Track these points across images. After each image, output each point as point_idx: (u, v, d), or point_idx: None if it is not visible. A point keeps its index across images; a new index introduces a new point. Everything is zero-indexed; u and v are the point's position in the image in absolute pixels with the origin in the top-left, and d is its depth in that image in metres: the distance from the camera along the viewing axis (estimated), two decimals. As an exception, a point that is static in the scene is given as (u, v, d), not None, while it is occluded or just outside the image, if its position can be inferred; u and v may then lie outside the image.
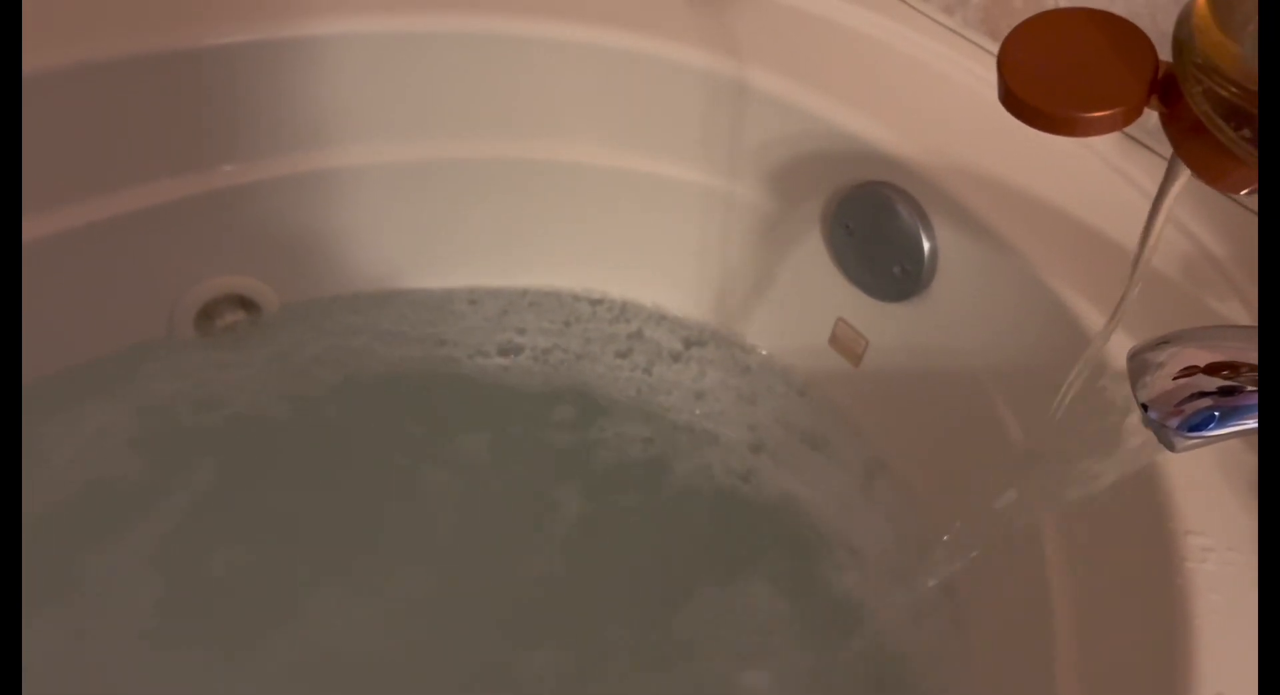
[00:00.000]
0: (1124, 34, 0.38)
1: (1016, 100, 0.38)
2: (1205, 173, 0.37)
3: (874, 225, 0.70)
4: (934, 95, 0.72)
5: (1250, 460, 0.51)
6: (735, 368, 0.87)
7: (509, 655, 0.71)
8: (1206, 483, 0.50)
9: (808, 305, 0.80)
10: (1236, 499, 0.49)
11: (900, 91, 0.72)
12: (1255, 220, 0.64)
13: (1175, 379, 0.38)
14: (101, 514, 0.73)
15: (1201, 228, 0.63)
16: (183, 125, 0.71)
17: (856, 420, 0.81)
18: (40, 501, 0.72)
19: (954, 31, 0.76)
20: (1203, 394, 0.37)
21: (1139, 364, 0.39)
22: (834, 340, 0.80)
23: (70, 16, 0.67)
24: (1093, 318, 0.58)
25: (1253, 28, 0.33)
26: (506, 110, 0.77)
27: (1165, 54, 0.37)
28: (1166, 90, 0.37)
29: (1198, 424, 0.37)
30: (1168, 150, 0.66)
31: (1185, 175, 0.39)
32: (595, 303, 0.89)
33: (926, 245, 0.68)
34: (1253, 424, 0.37)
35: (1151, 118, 0.68)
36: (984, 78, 0.73)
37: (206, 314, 0.82)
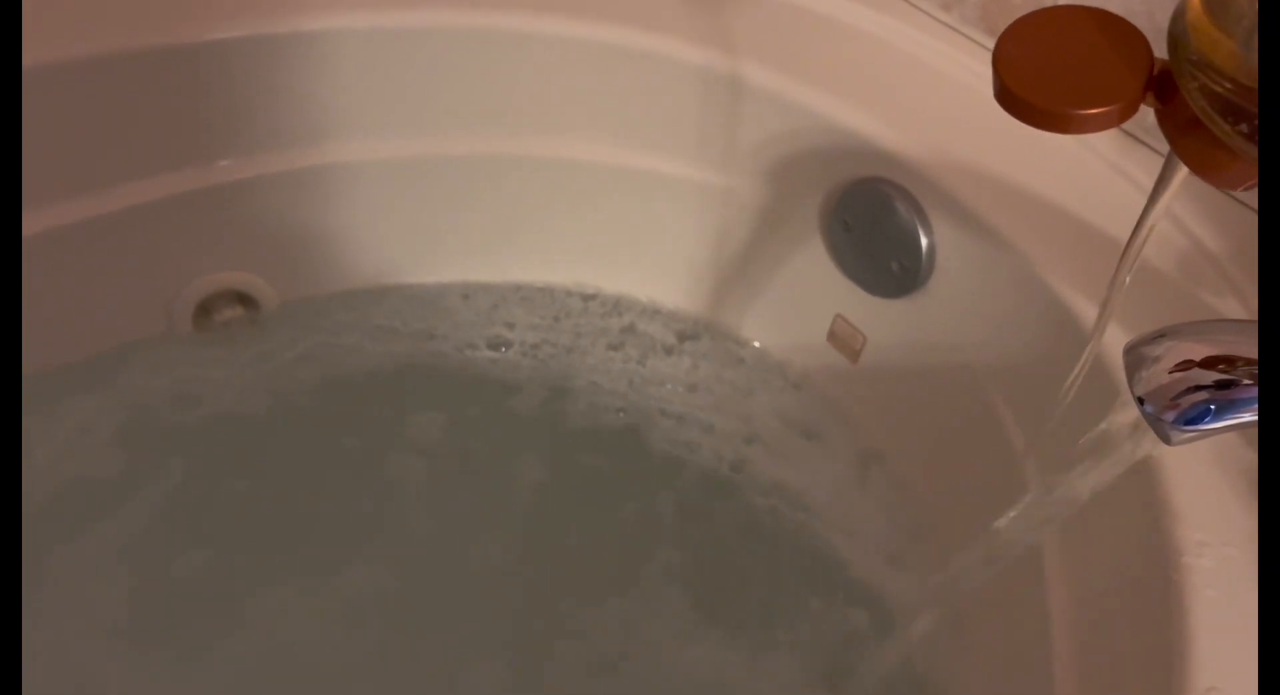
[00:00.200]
0: (1119, 31, 0.38)
1: (1012, 97, 0.38)
2: (1202, 168, 0.37)
3: (872, 222, 0.71)
4: (932, 92, 0.72)
5: (1247, 455, 0.51)
6: (729, 361, 0.87)
7: (476, 652, 0.72)
8: (1203, 477, 0.50)
9: (805, 302, 0.80)
10: (1233, 494, 0.49)
11: (898, 88, 0.72)
12: (1252, 216, 0.64)
13: (1171, 373, 0.38)
14: (76, 510, 0.73)
15: (1198, 224, 0.63)
16: (180, 121, 0.71)
17: (854, 416, 0.81)
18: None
19: (952, 28, 0.76)
20: (1198, 388, 0.37)
21: (1135, 358, 0.39)
22: (832, 336, 0.80)
23: (67, 12, 0.67)
24: (1090, 314, 0.58)
25: (1247, 23, 0.33)
26: (503, 106, 0.77)
27: (1161, 51, 0.37)
28: (1162, 87, 0.37)
29: (1193, 418, 0.37)
30: (1165, 147, 0.67)
31: (1182, 172, 0.39)
32: (588, 298, 0.89)
33: (924, 242, 0.68)
34: (1248, 417, 0.37)
35: (1149, 115, 0.68)
36: (982, 74, 0.73)
37: (205, 310, 0.82)
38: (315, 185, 0.78)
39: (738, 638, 0.74)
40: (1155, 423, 0.39)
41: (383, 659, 0.70)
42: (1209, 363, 0.38)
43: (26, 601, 0.67)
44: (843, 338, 0.79)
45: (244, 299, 0.82)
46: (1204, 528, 0.48)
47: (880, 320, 0.75)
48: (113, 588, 0.71)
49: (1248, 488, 0.50)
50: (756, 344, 0.87)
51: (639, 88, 0.75)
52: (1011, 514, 0.54)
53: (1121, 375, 0.40)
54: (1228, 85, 0.34)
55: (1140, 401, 0.39)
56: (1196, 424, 0.38)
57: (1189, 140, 0.36)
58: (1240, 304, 0.58)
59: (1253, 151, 0.34)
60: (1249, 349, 0.38)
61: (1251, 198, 0.64)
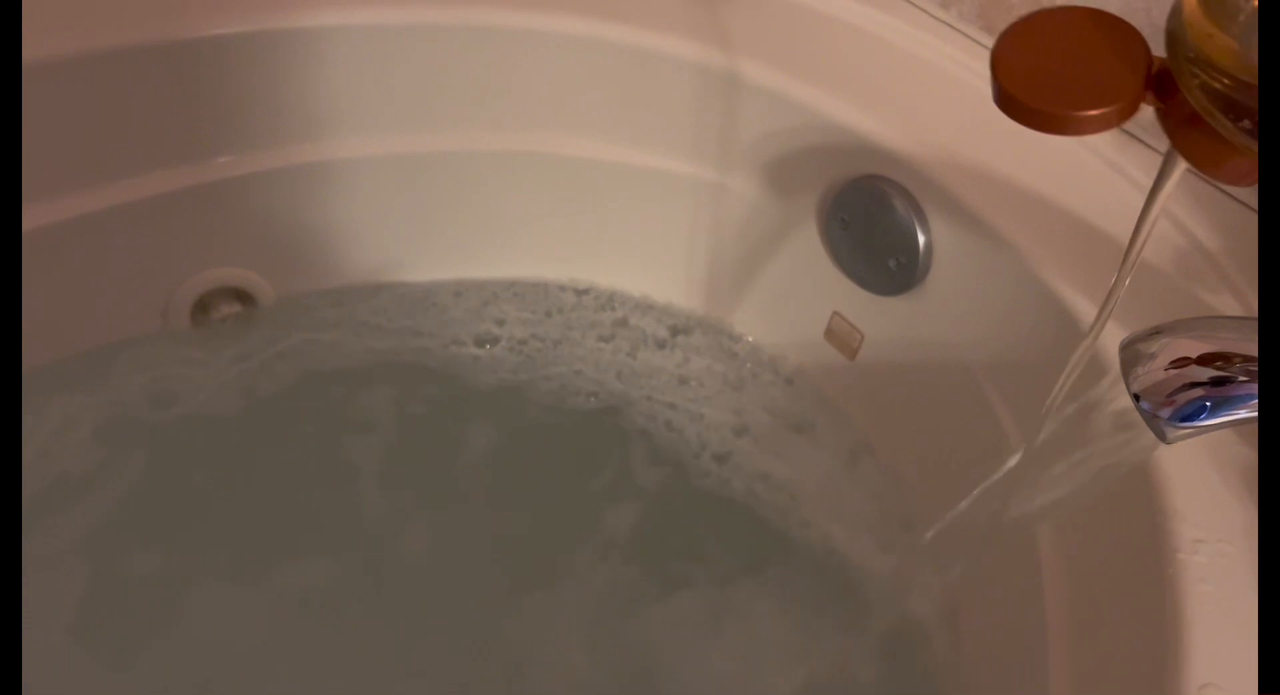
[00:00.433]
0: (1117, 31, 0.38)
1: (1011, 100, 0.38)
2: (1204, 164, 0.37)
3: (869, 219, 0.71)
4: (930, 89, 0.72)
5: (1242, 452, 0.51)
6: (723, 355, 0.87)
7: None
8: (1198, 474, 0.50)
9: (803, 299, 0.80)
10: (1228, 490, 0.50)
11: (896, 86, 0.72)
12: (1248, 214, 0.64)
13: (1167, 370, 0.38)
14: (51, 505, 0.73)
15: (1195, 221, 0.63)
16: (178, 116, 0.71)
17: (853, 413, 0.82)
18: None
19: (950, 26, 0.76)
20: (1194, 384, 0.37)
21: (1131, 354, 0.39)
22: (829, 333, 0.80)
23: (64, 7, 0.67)
24: (1087, 312, 0.58)
25: (1243, 18, 0.33)
26: (500, 103, 0.77)
27: (1159, 49, 0.37)
28: (1161, 85, 0.37)
29: (1189, 414, 0.38)
30: (1163, 145, 0.67)
31: (1180, 169, 0.39)
32: (581, 293, 0.89)
33: (922, 239, 0.68)
34: (1244, 414, 0.37)
35: (1147, 113, 0.69)
36: (979, 72, 0.73)
37: (202, 306, 0.82)
38: (312, 181, 0.78)
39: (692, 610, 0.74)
40: (1151, 419, 0.39)
41: (328, 653, 0.70)
42: (1205, 359, 0.38)
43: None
44: (840, 335, 0.79)
45: (241, 295, 0.82)
46: (1200, 524, 0.48)
47: (878, 317, 0.75)
48: (73, 584, 0.71)
49: (1243, 484, 0.50)
50: (750, 339, 0.87)
51: (636, 84, 0.75)
52: (1007, 509, 0.55)
53: (1118, 372, 0.40)
54: (1226, 81, 0.34)
55: (1136, 398, 0.39)
56: (1192, 421, 0.38)
57: (1190, 137, 0.36)
58: (1237, 301, 0.58)
59: (1254, 146, 0.34)
60: (1245, 346, 0.38)
61: (1248, 195, 0.64)
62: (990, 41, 0.73)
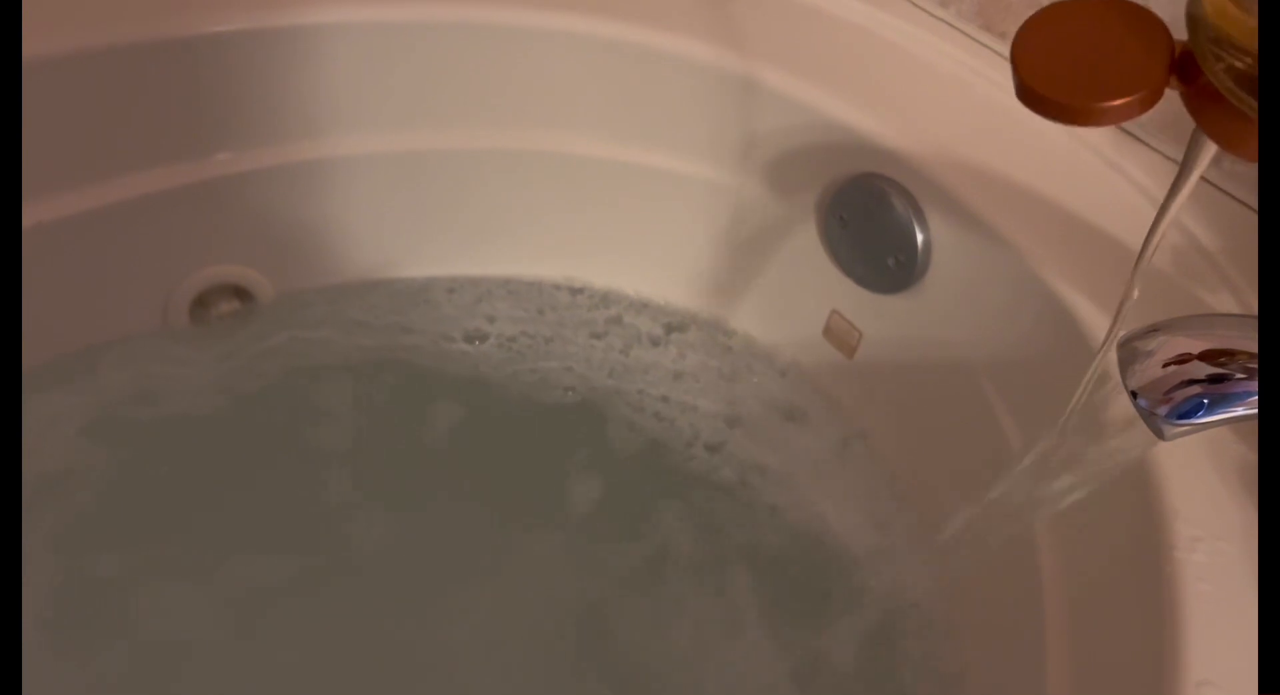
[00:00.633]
0: (1136, 18, 0.38)
1: (1034, 95, 0.38)
2: (1230, 144, 0.37)
3: (868, 217, 0.71)
4: (928, 88, 0.72)
5: (1240, 450, 0.51)
6: (717, 350, 0.86)
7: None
8: (1196, 472, 0.50)
9: (801, 297, 0.80)
10: (1226, 488, 0.50)
11: (895, 84, 0.72)
12: (1246, 213, 0.64)
13: (1165, 367, 0.38)
14: (28, 502, 0.73)
15: (1194, 221, 0.63)
16: (177, 113, 0.71)
17: (852, 412, 0.82)
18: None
19: (949, 24, 0.76)
20: (1192, 382, 0.37)
21: (1129, 352, 0.39)
22: (828, 332, 0.80)
23: (64, 4, 0.67)
24: (1086, 310, 0.58)
25: None
26: (499, 101, 0.77)
27: (1180, 33, 0.37)
28: (1185, 69, 0.37)
29: (1187, 411, 0.38)
30: (1162, 144, 0.67)
31: (1208, 154, 0.39)
32: (576, 291, 0.88)
33: (920, 238, 0.68)
34: (1242, 412, 0.37)
35: (1146, 111, 0.69)
36: (978, 71, 0.73)
37: (202, 303, 0.82)
38: (312, 179, 0.78)
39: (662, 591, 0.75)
40: (1149, 417, 0.39)
41: (294, 648, 0.70)
42: (1203, 357, 0.38)
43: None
44: (838, 333, 0.79)
45: (240, 293, 0.82)
46: (1197, 522, 0.48)
47: (876, 316, 0.75)
48: (43, 579, 0.70)
49: (1241, 483, 0.50)
50: (745, 335, 0.87)
51: (635, 83, 0.75)
52: (1006, 507, 0.55)
53: (1115, 369, 0.40)
54: (1249, 61, 0.34)
55: (1134, 395, 0.39)
56: (1190, 418, 0.38)
57: (1216, 118, 0.36)
58: (1235, 299, 0.58)
59: None
60: (1243, 343, 0.38)
61: (1247, 194, 0.64)
62: (989, 40, 0.74)
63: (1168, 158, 0.67)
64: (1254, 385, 0.37)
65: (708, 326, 0.88)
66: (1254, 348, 0.38)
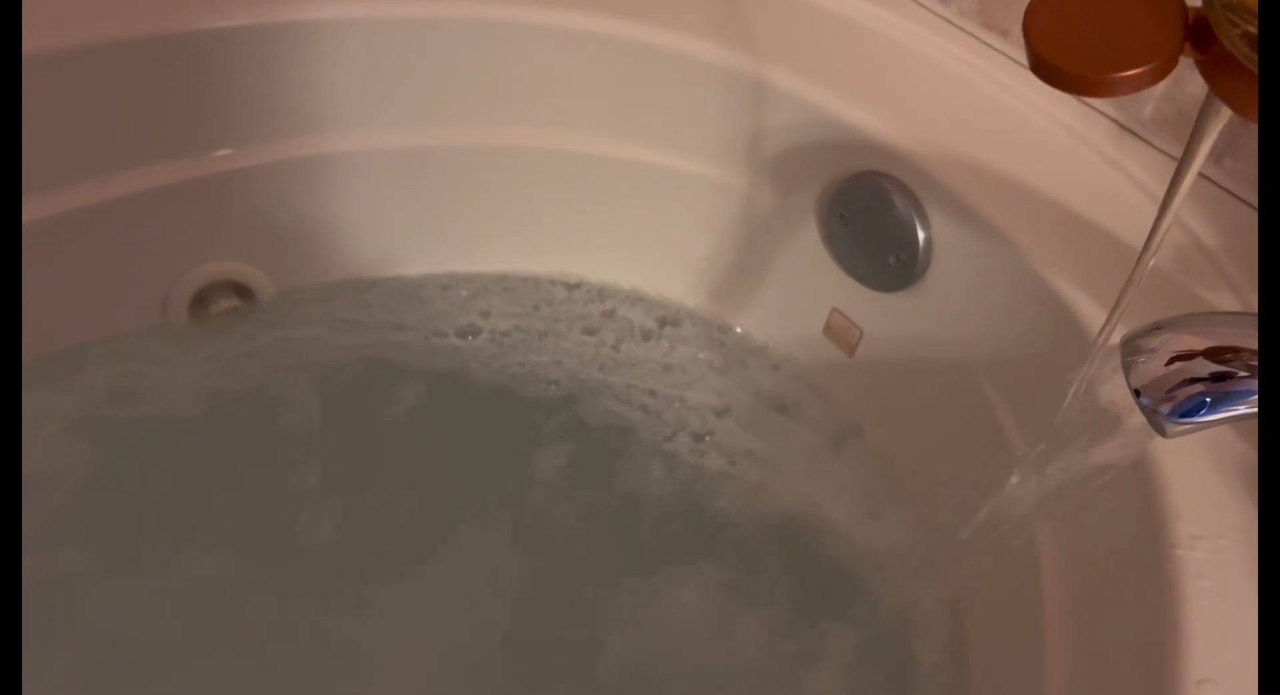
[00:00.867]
0: None
1: (1048, 67, 0.37)
2: (1246, 108, 0.36)
3: (869, 215, 0.71)
4: (930, 86, 0.72)
5: (1241, 448, 0.51)
6: (710, 343, 0.86)
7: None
8: (1197, 471, 0.50)
9: (802, 295, 0.80)
10: (1227, 487, 0.50)
11: (896, 82, 0.72)
12: (1247, 212, 0.64)
13: (1167, 365, 0.38)
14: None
15: (1195, 219, 0.63)
16: (178, 110, 0.71)
17: (851, 410, 0.82)
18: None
19: (949, 22, 0.76)
20: (1195, 380, 0.37)
21: (1131, 350, 0.39)
22: (828, 330, 0.80)
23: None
24: (1086, 308, 0.58)
25: None
26: (499, 98, 0.77)
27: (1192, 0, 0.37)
28: (1199, 36, 0.36)
29: (1189, 410, 0.38)
30: (1163, 141, 0.67)
31: (1220, 123, 0.38)
32: (572, 287, 0.88)
33: (921, 235, 0.68)
34: (1244, 410, 0.37)
35: (1146, 109, 0.69)
36: (979, 69, 0.73)
37: (201, 300, 0.81)
38: (312, 176, 0.77)
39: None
40: (1151, 415, 0.39)
41: (217, 646, 0.70)
42: (1205, 355, 0.38)
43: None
44: (839, 331, 0.79)
45: (240, 290, 0.82)
46: (1198, 521, 0.48)
47: (877, 314, 0.75)
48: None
49: (1242, 481, 0.50)
50: (738, 330, 0.87)
51: (636, 80, 0.75)
52: (1006, 505, 0.55)
53: (1118, 368, 0.40)
54: None
55: (1137, 393, 0.39)
56: (1192, 416, 0.38)
57: (1231, 84, 0.36)
58: (1236, 298, 0.58)
59: None
60: (1245, 342, 0.38)
61: (1248, 193, 0.64)
62: (990, 38, 0.74)
63: (1169, 155, 0.67)
64: (1256, 384, 0.37)
65: (705, 323, 0.88)
66: (1256, 345, 0.38)
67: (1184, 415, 0.38)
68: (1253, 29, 0.34)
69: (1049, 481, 0.52)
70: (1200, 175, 0.65)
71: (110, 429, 0.77)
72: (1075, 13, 0.38)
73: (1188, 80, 0.65)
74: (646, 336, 0.87)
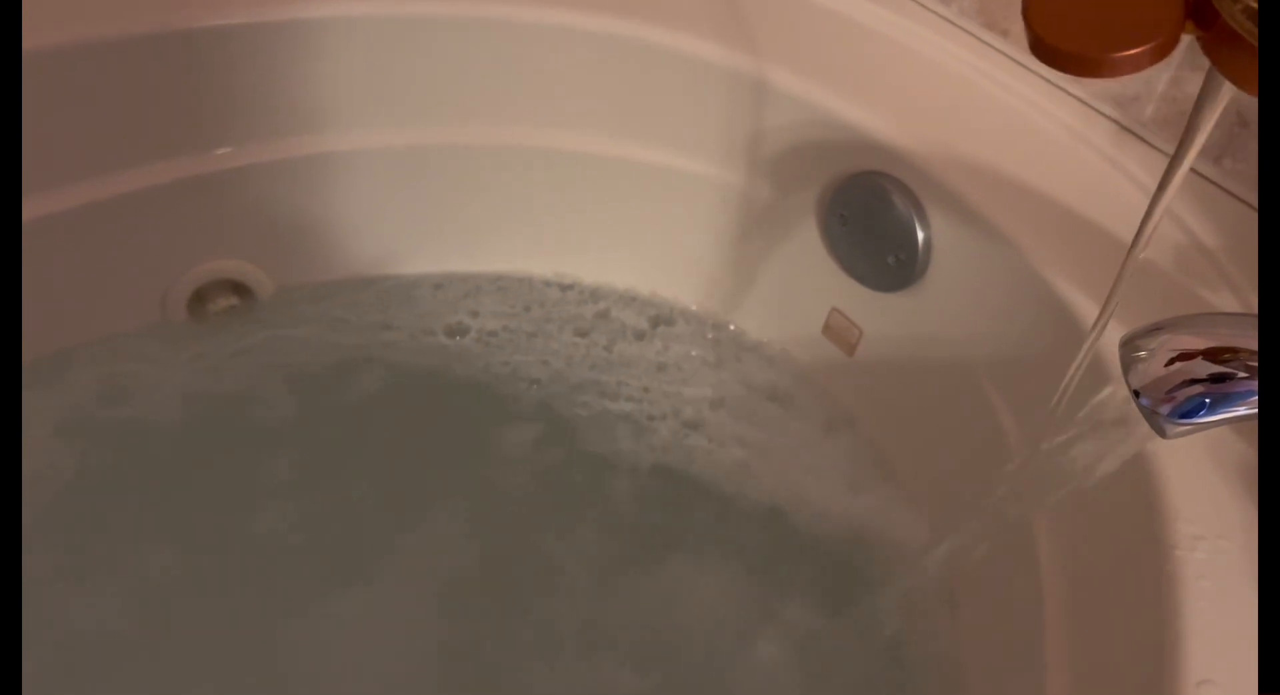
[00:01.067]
0: None
1: (1048, 48, 0.37)
2: (1250, 84, 0.36)
3: (869, 215, 0.71)
4: (930, 85, 0.72)
5: (1241, 449, 0.51)
6: (706, 342, 0.87)
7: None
8: (1197, 471, 0.50)
9: (801, 294, 0.80)
10: (1227, 487, 0.50)
11: (896, 81, 0.72)
12: (1248, 212, 0.64)
13: (1167, 366, 0.38)
14: None
15: (1194, 219, 0.63)
16: (178, 108, 0.71)
17: (851, 409, 0.82)
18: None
19: (950, 21, 0.76)
20: (1194, 381, 0.37)
21: (1131, 351, 0.39)
22: (828, 330, 0.80)
23: (65, -3, 0.67)
24: (1086, 308, 0.58)
25: None
26: (499, 98, 0.77)
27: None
28: (1200, 13, 0.36)
29: (1189, 411, 0.38)
30: (1163, 141, 0.67)
31: (1221, 103, 0.38)
32: (566, 287, 0.88)
33: (921, 235, 0.68)
34: (1244, 411, 0.37)
35: (1147, 109, 0.69)
36: (980, 68, 0.73)
37: (200, 299, 0.81)
38: (312, 174, 0.77)
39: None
40: (1150, 416, 0.39)
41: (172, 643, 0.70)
42: (1205, 356, 0.38)
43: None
44: (838, 331, 0.79)
45: (239, 288, 0.82)
46: (1198, 521, 0.48)
47: (877, 314, 0.75)
48: None
49: (1242, 482, 0.50)
50: (732, 328, 0.87)
51: (635, 79, 0.75)
52: (1006, 505, 0.55)
53: (1117, 367, 0.40)
54: None
55: (1136, 394, 0.39)
56: (1192, 417, 0.38)
57: (1235, 60, 0.36)
58: (1236, 298, 0.58)
59: None
60: (1245, 342, 0.38)
61: (1247, 193, 0.64)
62: (991, 38, 0.73)
63: (1169, 155, 0.67)
64: (1256, 384, 0.37)
65: (701, 322, 0.87)
66: (1256, 346, 0.37)
67: (1183, 416, 0.37)
68: (1254, 3, 0.34)
69: (1048, 481, 0.52)
70: (1200, 176, 0.65)
71: (93, 429, 0.77)
72: None
73: (1188, 81, 0.64)
74: (640, 336, 0.87)
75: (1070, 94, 0.71)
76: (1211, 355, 0.38)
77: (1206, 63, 0.38)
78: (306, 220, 0.80)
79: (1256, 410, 0.37)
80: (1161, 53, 0.36)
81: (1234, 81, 0.37)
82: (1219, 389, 0.37)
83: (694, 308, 0.88)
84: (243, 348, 0.82)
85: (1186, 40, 0.38)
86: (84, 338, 0.78)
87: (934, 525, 0.74)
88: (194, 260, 0.79)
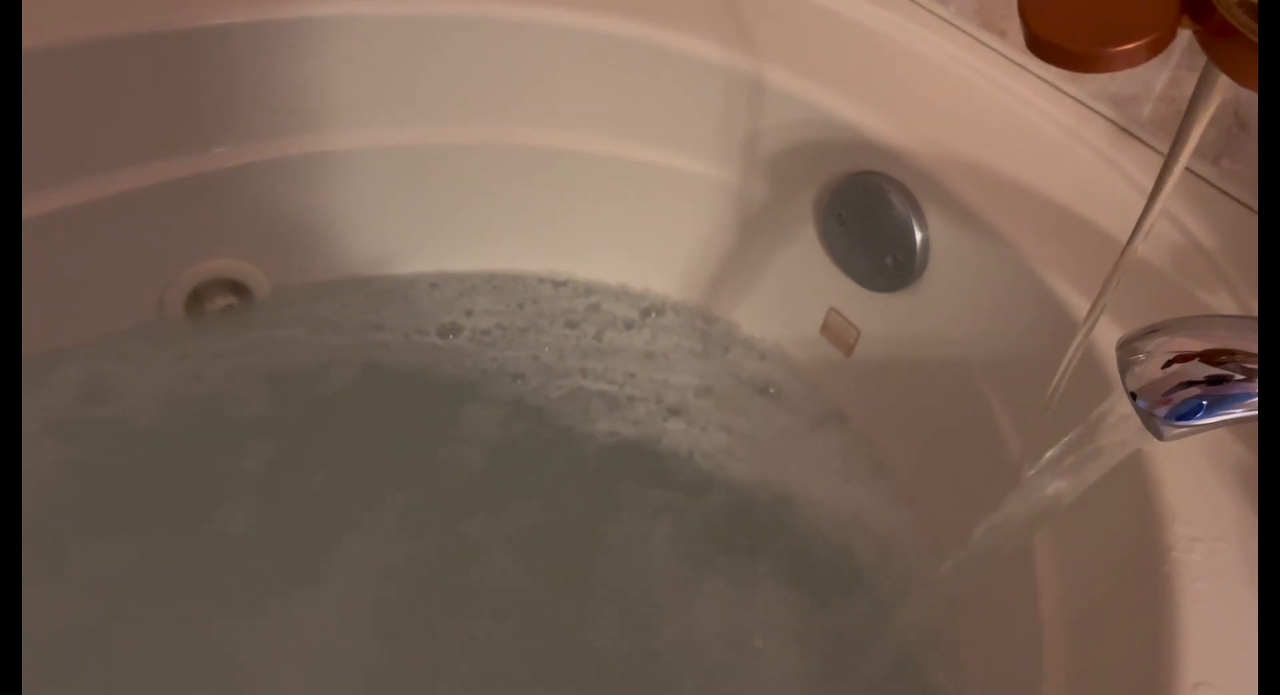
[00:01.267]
0: None
1: (1044, 43, 0.37)
2: (1247, 79, 0.36)
3: (866, 215, 0.71)
4: (928, 85, 0.72)
5: (1238, 450, 0.51)
6: (698, 335, 0.87)
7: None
8: (1194, 473, 0.50)
9: (799, 295, 0.80)
10: (1224, 489, 0.50)
11: (894, 81, 0.72)
12: (1246, 213, 0.64)
13: (1164, 368, 0.38)
14: None
15: (1192, 220, 0.63)
16: (176, 107, 0.71)
17: (849, 409, 0.82)
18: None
19: (948, 22, 0.76)
20: (1191, 383, 0.37)
21: (1128, 353, 0.39)
22: (825, 330, 0.80)
23: (62, -4, 0.67)
24: (1083, 309, 0.58)
25: None
26: (497, 97, 0.77)
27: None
28: (1197, 7, 0.36)
29: (1186, 413, 0.38)
30: (1161, 142, 0.67)
31: (1216, 98, 0.38)
32: (559, 284, 0.88)
33: (919, 235, 0.68)
34: (1241, 413, 0.37)
35: (1144, 110, 0.69)
36: (978, 68, 0.73)
37: (197, 298, 0.81)
38: (310, 173, 0.77)
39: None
40: (1147, 418, 0.39)
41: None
42: (1202, 358, 0.38)
43: None
44: (836, 331, 0.79)
45: (237, 287, 0.82)
46: (1195, 523, 0.48)
47: (874, 314, 0.75)
48: None
49: (1239, 483, 0.50)
50: (725, 323, 0.87)
51: (633, 79, 0.75)
52: (1001, 506, 0.55)
53: (1114, 369, 0.40)
54: None
55: (1133, 396, 0.39)
56: (1189, 420, 0.38)
57: (1232, 55, 0.36)
58: (1234, 300, 0.58)
59: None
60: (1243, 345, 0.38)
61: (1246, 194, 0.64)
62: (989, 38, 0.73)
63: (1165, 155, 0.67)
64: (1253, 386, 0.37)
65: (698, 317, 0.87)
66: (1254, 348, 0.37)
67: (1180, 418, 0.38)
68: None
69: (1046, 482, 0.52)
70: (1198, 177, 0.65)
71: (71, 429, 0.76)
72: None
73: (1186, 81, 0.64)
74: (629, 325, 0.87)
75: (1068, 94, 0.71)
76: (1209, 357, 0.38)
77: (1204, 62, 0.38)
78: (304, 220, 0.80)
79: (1253, 412, 0.37)
80: (1158, 47, 0.36)
81: (1231, 76, 0.37)
82: (1216, 391, 0.37)
83: (690, 307, 0.88)
84: (227, 348, 0.82)
85: (1185, 38, 0.38)
86: (79, 337, 0.78)
87: (928, 524, 0.74)
88: (191, 260, 0.79)
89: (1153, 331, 0.39)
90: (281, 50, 0.71)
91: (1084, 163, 0.67)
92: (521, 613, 0.72)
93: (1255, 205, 0.64)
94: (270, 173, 0.76)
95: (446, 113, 0.78)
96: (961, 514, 0.61)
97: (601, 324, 0.87)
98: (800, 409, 0.82)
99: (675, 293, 0.88)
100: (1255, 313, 0.55)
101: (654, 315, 0.87)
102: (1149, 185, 0.65)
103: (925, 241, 0.68)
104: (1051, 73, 0.71)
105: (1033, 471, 0.52)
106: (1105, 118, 0.69)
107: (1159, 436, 0.39)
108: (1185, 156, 0.41)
